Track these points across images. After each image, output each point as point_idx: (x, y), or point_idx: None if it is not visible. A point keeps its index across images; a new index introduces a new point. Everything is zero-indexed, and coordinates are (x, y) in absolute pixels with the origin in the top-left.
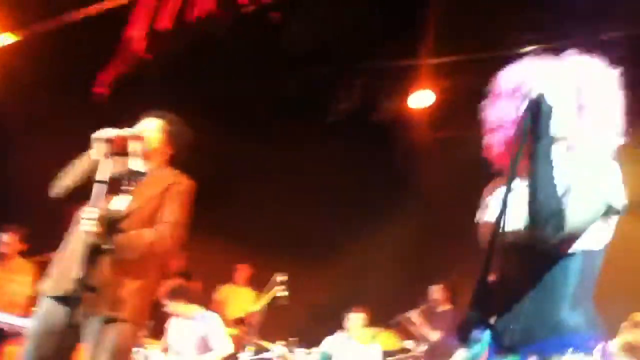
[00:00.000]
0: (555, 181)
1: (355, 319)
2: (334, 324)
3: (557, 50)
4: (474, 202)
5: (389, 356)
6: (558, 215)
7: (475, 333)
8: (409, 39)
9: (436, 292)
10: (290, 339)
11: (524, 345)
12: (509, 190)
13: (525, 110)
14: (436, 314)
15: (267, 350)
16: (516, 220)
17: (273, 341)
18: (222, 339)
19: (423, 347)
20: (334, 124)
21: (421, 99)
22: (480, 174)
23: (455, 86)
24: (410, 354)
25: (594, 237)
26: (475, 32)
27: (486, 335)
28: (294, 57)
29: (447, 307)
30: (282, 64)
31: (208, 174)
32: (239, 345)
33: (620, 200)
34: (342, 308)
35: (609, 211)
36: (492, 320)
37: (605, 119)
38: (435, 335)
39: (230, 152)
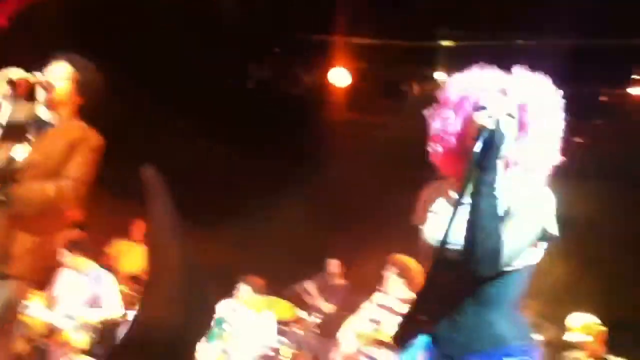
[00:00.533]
0: (496, 219)
1: (250, 286)
2: (228, 289)
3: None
4: (378, 186)
5: (282, 325)
6: (495, 255)
7: (414, 339)
8: (332, 15)
9: (332, 266)
10: None
11: (464, 355)
12: (456, 211)
13: (479, 141)
14: (330, 287)
15: None
16: (460, 237)
17: None
18: (114, 301)
19: (316, 319)
20: (248, 91)
21: (337, 77)
22: (387, 160)
23: (372, 70)
24: (303, 324)
25: (531, 255)
26: (397, 19)
27: (420, 341)
28: (210, 21)
29: (341, 281)
30: (198, 28)
31: (111, 129)
32: (130, 302)
33: (555, 227)
34: (237, 274)
35: (544, 237)
36: (432, 329)
37: (545, 140)
38: (328, 307)
39: (135, 108)
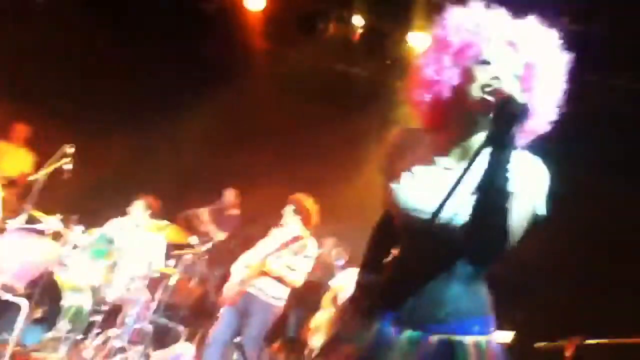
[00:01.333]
0: (508, 204)
1: (143, 206)
2: (119, 207)
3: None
4: (280, 118)
5: (173, 249)
6: (503, 242)
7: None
8: None
9: (229, 195)
10: (70, 215)
11: (425, 324)
12: (456, 186)
13: (498, 111)
14: (224, 216)
15: (40, 221)
16: (453, 213)
17: (49, 213)
18: None
19: (207, 246)
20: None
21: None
22: (292, 93)
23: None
24: (193, 250)
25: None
26: None
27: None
28: None
29: (235, 211)
30: None
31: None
32: (8, 209)
33: (544, 208)
34: (130, 192)
35: (535, 217)
36: (395, 297)
37: (545, 108)
38: (220, 236)
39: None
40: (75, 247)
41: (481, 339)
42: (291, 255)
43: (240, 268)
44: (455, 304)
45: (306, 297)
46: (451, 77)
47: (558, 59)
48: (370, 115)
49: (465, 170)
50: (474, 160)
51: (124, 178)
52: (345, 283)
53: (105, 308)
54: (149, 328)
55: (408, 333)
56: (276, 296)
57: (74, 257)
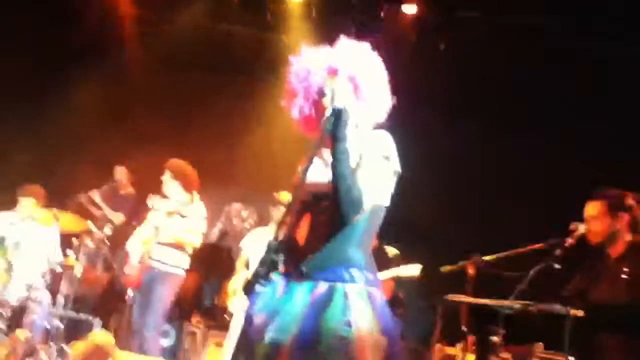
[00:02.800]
0: (351, 174)
1: (30, 197)
2: (5, 202)
3: None
4: (169, 85)
5: (73, 237)
6: (357, 202)
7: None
8: None
9: (120, 173)
10: None
11: (316, 273)
12: (309, 165)
13: (329, 116)
14: (118, 196)
15: None
16: (322, 178)
17: None
18: None
19: (106, 229)
20: None
21: None
22: (178, 55)
23: None
24: (92, 236)
25: (382, 195)
26: None
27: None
28: None
29: (129, 190)
30: None
31: None
32: None
33: (397, 164)
34: (13, 183)
35: (393, 174)
36: (293, 252)
37: (376, 96)
38: (118, 217)
39: None
40: None
41: (361, 287)
42: (180, 219)
43: (136, 246)
44: (340, 254)
45: (219, 264)
46: (310, 111)
47: (371, 63)
48: (257, 74)
49: (313, 151)
50: (319, 144)
51: (7, 170)
52: (254, 244)
53: (7, 312)
54: (59, 324)
55: (305, 283)
56: (176, 264)
57: None
